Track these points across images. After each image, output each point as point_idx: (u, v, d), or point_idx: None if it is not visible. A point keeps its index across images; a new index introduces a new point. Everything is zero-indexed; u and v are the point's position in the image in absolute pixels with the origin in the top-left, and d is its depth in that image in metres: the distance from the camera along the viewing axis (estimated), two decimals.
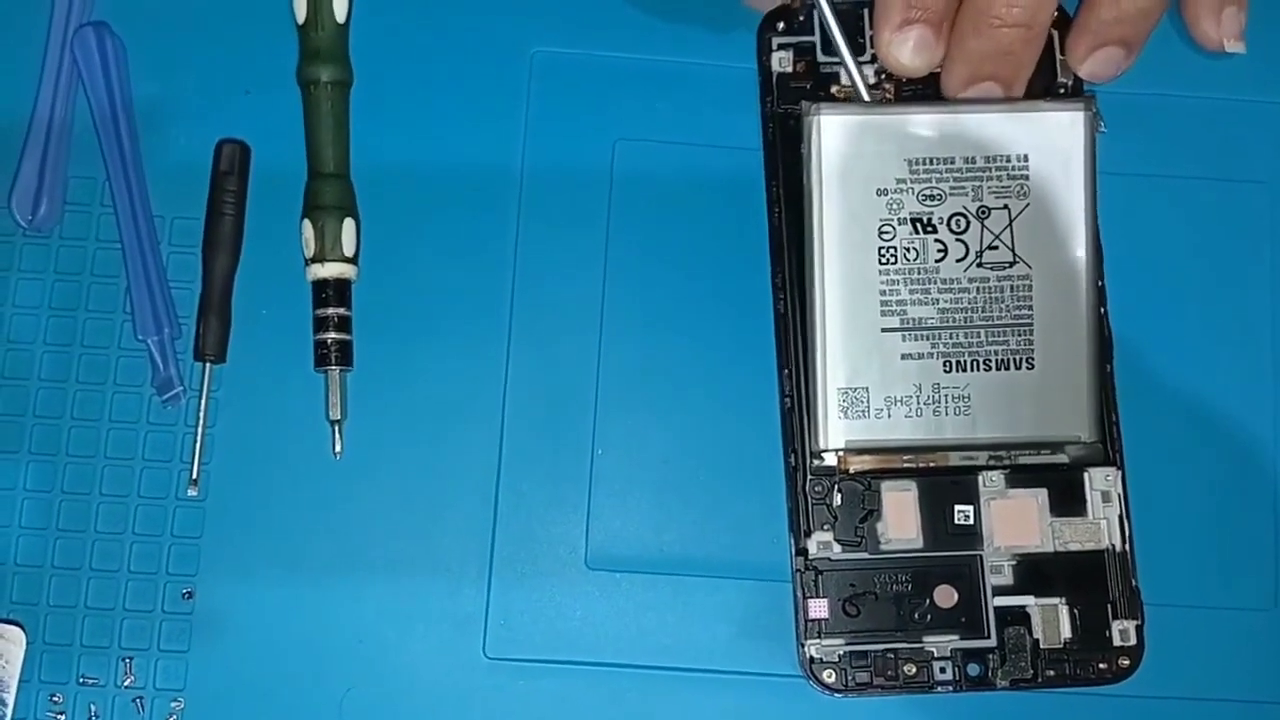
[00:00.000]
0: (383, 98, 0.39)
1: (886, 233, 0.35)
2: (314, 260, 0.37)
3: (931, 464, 0.36)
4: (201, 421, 0.37)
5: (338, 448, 0.37)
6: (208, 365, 0.37)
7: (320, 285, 0.37)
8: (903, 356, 0.35)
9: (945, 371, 0.35)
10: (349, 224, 0.37)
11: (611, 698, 0.36)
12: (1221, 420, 0.38)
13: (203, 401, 0.37)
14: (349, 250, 0.37)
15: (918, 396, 0.35)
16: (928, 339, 0.35)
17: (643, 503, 0.37)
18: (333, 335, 0.37)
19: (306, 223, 0.37)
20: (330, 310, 0.37)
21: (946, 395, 0.35)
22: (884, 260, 0.35)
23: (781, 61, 0.37)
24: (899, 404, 0.35)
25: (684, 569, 0.37)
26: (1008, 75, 0.34)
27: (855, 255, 0.35)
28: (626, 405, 0.38)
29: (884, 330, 0.35)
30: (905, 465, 0.36)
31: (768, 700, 0.36)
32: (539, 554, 0.37)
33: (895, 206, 0.35)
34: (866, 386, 0.35)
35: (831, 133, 0.35)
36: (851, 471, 0.36)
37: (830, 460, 0.35)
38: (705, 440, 0.37)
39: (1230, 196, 0.39)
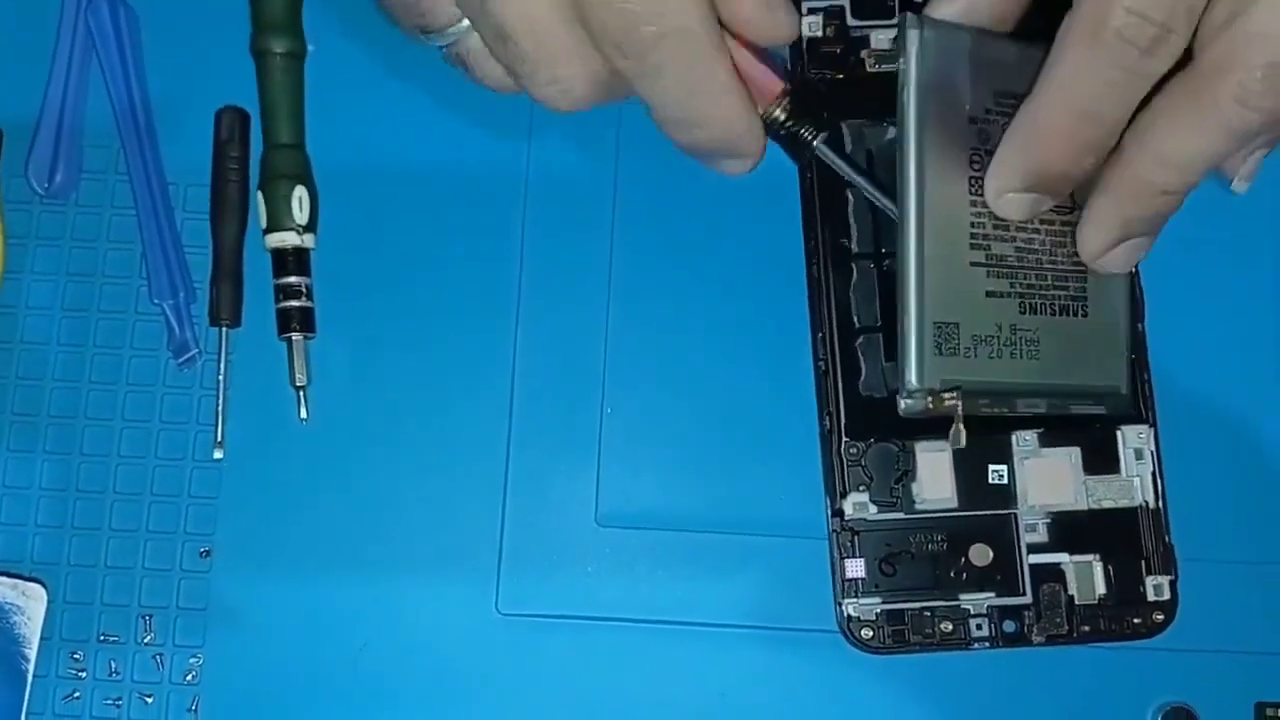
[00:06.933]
0: (395, 74, 0.39)
1: (976, 162, 0.32)
2: (270, 230, 0.37)
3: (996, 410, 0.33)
4: (222, 385, 0.37)
5: (304, 414, 0.37)
6: (224, 329, 0.38)
7: (279, 254, 0.37)
8: (987, 294, 0.32)
9: (1020, 313, 0.33)
10: (301, 191, 0.37)
11: (621, 652, 0.37)
12: (1249, 379, 0.38)
13: (221, 365, 0.37)
14: (303, 219, 0.37)
15: (998, 337, 0.32)
16: (1007, 277, 0.32)
17: (652, 461, 0.37)
18: (295, 303, 0.37)
19: (260, 194, 0.37)
20: (291, 279, 0.37)
21: (1021, 337, 0.33)
22: (974, 191, 0.32)
23: (812, 26, 0.37)
24: (984, 343, 0.32)
25: (692, 525, 0.37)
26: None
27: (949, 181, 0.32)
28: (636, 364, 0.38)
29: (971, 264, 0.32)
30: (983, 413, 0.33)
31: (775, 654, 0.37)
32: (550, 511, 0.37)
33: (984, 138, 0.32)
34: (957, 323, 0.32)
35: (931, 51, 0.31)
36: (933, 414, 0.33)
37: (918, 402, 0.32)
38: (714, 399, 0.37)
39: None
